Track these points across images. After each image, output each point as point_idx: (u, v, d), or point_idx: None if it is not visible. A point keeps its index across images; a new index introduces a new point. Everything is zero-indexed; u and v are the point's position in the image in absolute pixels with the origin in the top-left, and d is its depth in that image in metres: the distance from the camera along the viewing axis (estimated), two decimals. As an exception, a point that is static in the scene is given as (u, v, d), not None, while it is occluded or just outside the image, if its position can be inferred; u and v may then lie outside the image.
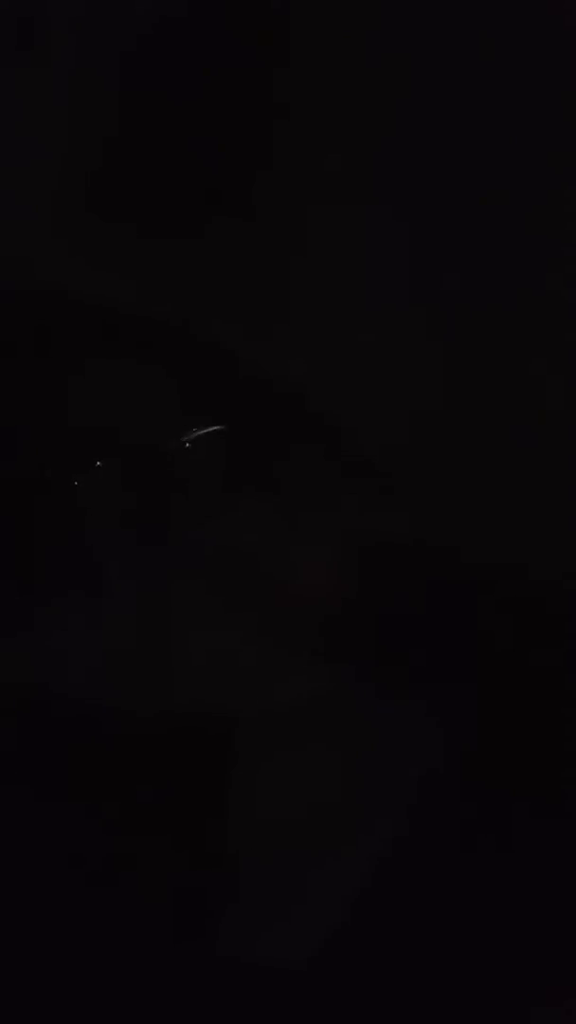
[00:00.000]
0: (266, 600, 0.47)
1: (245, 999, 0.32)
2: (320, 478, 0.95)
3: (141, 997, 0.35)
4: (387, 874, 0.36)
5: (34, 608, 0.48)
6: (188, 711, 0.43)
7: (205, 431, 0.56)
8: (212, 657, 0.44)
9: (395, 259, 1.19)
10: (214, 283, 1.00)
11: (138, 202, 0.98)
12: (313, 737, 0.42)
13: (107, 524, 0.51)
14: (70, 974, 0.37)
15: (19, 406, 0.56)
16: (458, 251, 1.29)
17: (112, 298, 0.70)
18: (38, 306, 0.65)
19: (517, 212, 1.36)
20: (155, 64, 0.95)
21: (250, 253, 1.06)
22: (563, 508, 1.11)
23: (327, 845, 0.38)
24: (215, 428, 0.57)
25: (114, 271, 0.91)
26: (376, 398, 1.32)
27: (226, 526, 0.51)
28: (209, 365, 0.64)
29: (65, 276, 0.81)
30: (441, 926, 0.36)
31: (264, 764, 0.40)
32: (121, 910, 0.37)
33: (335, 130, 1.13)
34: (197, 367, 0.61)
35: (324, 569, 0.50)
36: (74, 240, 0.89)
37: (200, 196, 1.05)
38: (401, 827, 0.40)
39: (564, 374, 1.31)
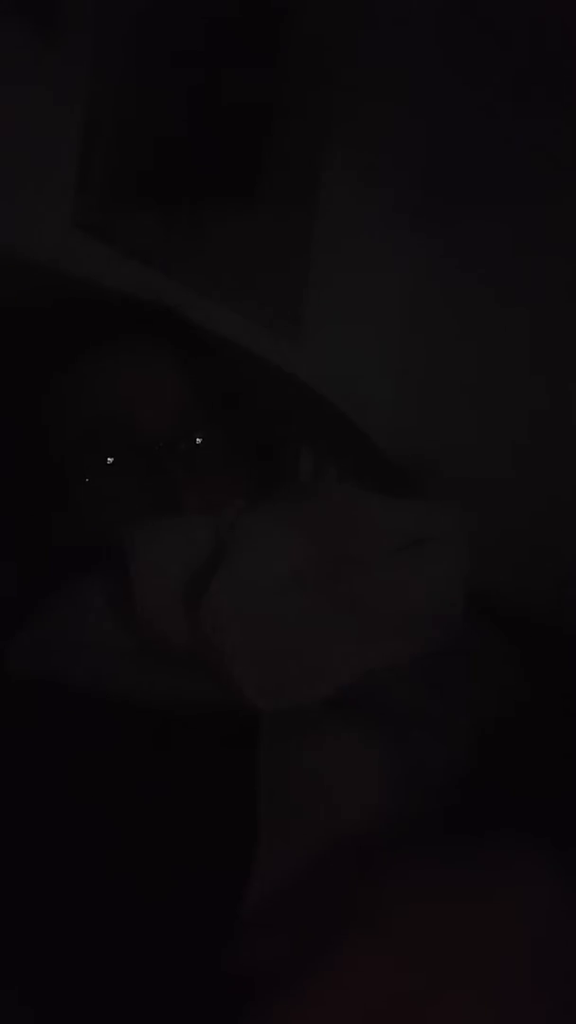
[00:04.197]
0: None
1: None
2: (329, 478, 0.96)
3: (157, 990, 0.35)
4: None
5: (50, 601, 0.48)
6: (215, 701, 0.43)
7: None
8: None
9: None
10: (229, 275, 0.99)
11: (155, 191, 0.98)
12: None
13: (119, 518, 0.50)
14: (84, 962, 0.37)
15: (33, 400, 0.56)
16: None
17: (127, 288, 0.69)
18: (57, 295, 0.65)
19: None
20: (169, 53, 0.95)
21: (267, 245, 1.06)
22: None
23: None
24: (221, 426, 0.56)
25: (131, 260, 0.91)
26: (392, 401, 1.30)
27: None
28: (223, 360, 0.64)
29: (83, 266, 0.82)
30: None
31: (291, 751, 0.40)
32: (141, 903, 0.37)
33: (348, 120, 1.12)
34: (211, 362, 0.61)
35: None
36: (92, 229, 0.89)
37: (217, 186, 1.05)
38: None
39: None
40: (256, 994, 0.31)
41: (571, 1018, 0.32)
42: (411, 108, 1.41)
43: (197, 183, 1.03)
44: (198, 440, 0.55)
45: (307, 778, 0.40)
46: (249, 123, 1.11)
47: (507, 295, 1.40)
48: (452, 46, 1.40)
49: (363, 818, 0.39)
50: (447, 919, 0.32)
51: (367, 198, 1.35)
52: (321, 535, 0.51)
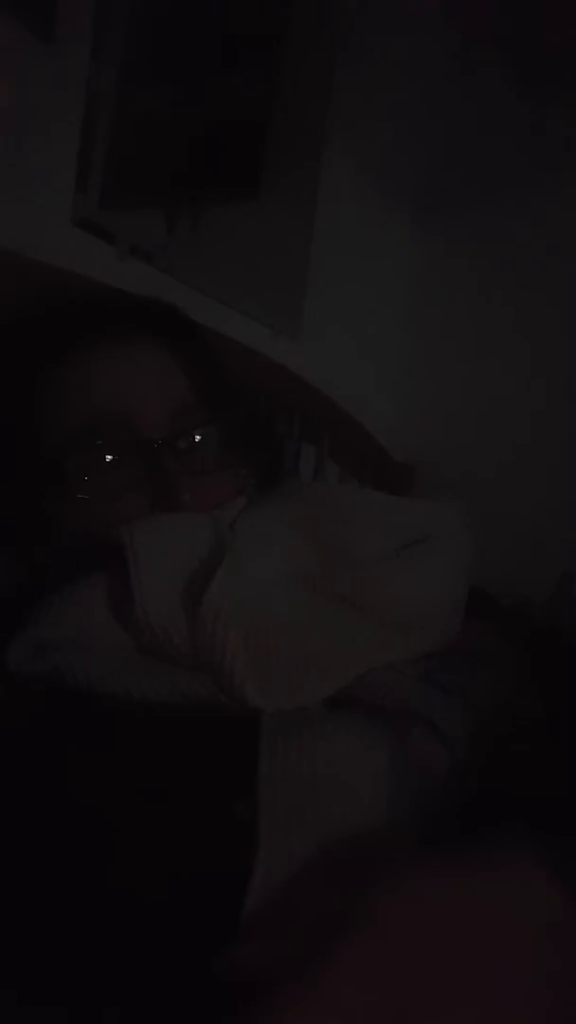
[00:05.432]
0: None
1: None
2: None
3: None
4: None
5: (50, 600, 0.48)
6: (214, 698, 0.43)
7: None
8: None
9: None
10: (230, 274, 0.99)
11: (155, 190, 0.98)
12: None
13: (118, 516, 0.50)
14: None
15: (32, 398, 0.55)
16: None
17: (127, 286, 0.69)
18: (56, 293, 0.64)
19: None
20: (169, 53, 0.95)
21: (268, 244, 1.06)
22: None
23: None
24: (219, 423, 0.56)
25: (131, 259, 0.91)
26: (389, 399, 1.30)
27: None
28: (223, 358, 0.63)
29: (83, 264, 0.81)
30: None
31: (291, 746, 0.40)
32: (141, 898, 0.37)
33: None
34: (210, 360, 0.61)
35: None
36: (92, 228, 0.89)
37: (218, 185, 1.05)
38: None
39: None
40: (254, 996, 0.31)
41: (573, 1018, 0.32)
42: (411, 107, 1.41)
43: (198, 182, 1.03)
44: (197, 438, 0.55)
45: (308, 779, 0.40)
46: (250, 122, 1.10)
47: (507, 292, 1.40)
48: (453, 43, 1.40)
49: (364, 819, 0.39)
50: (447, 919, 0.32)
51: (368, 197, 1.35)
52: (322, 534, 0.51)
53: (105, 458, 0.53)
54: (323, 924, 0.33)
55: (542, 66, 1.34)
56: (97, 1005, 0.35)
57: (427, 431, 1.43)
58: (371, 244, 1.40)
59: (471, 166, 1.42)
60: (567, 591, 1.22)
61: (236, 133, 1.08)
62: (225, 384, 0.61)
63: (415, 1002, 0.30)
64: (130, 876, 0.37)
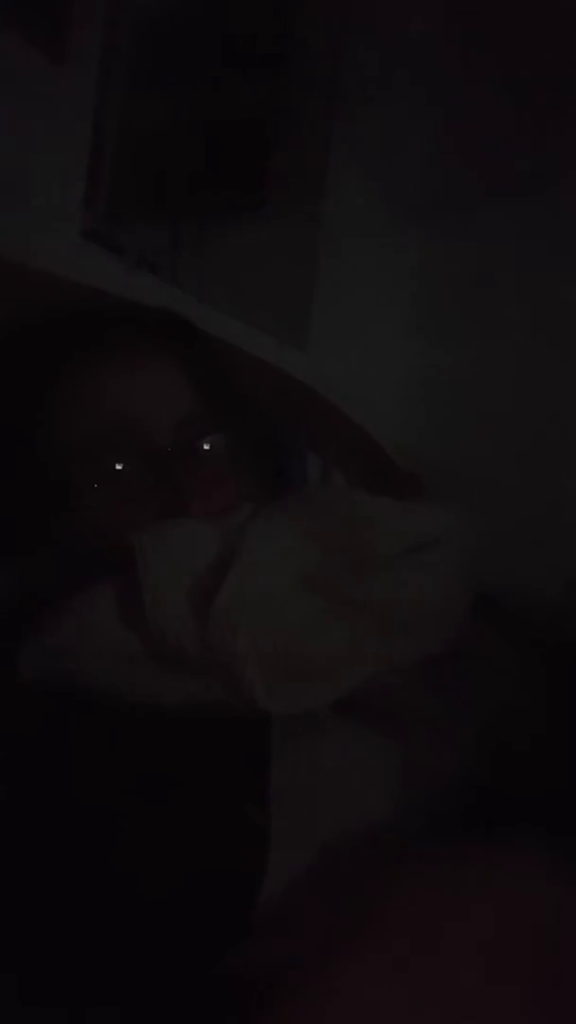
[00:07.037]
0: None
1: None
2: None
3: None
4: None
5: (61, 607, 0.48)
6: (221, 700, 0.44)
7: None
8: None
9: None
10: (237, 284, 0.99)
11: (162, 202, 0.99)
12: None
13: (127, 524, 0.51)
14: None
15: (41, 408, 0.56)
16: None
17: (135, 297, 0.70)
18: (65, 304, 0.65)
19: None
20: (174, 67, 0.96)
21: (274, 254, 1.06)
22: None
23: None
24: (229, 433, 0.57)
25: (138, 270, 0.92)
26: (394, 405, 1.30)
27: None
28: (230, 367, 0.64)
29: (91, 275, 0.82)
30: None
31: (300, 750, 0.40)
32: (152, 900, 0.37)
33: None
34: (218, 369, 0.62)
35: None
36: (100, 240, 0.89)
37: (224, 196, 1.06)
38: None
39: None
40: (259, 996, 0.31)
41: (572, 1016, 0.32)
42: (412, 112, 1.42)
43: (204, 190, 1.04)
44: (206, 447, 0.56)
45: (316, 781, 0.40)
46: (254, 127, 1.12)
47: (510, 299, 1.40)
48: (454, 47, 1.41)
49: (369, 819, 0.39)
50: (449, 919, 0.32)
51: (373, 203, 1.36)
52: (328, 539, 0.51)
53: (113, 467, 0.54)
54: (328, 924, 0.33)
55: (542, 71, 1.34)
56: (98, 1005, 0.35)
57: (433, 439, 1.43)
58: (377, 252, 1.40)
59: (474, 172, 1.43)
60: (573, 599, 1.22)
61: (241, 139, 1.09)
62: (232, 393, 0.62)
63: (418, 1000, 0.31)
64: (141, 877, 0.38)
